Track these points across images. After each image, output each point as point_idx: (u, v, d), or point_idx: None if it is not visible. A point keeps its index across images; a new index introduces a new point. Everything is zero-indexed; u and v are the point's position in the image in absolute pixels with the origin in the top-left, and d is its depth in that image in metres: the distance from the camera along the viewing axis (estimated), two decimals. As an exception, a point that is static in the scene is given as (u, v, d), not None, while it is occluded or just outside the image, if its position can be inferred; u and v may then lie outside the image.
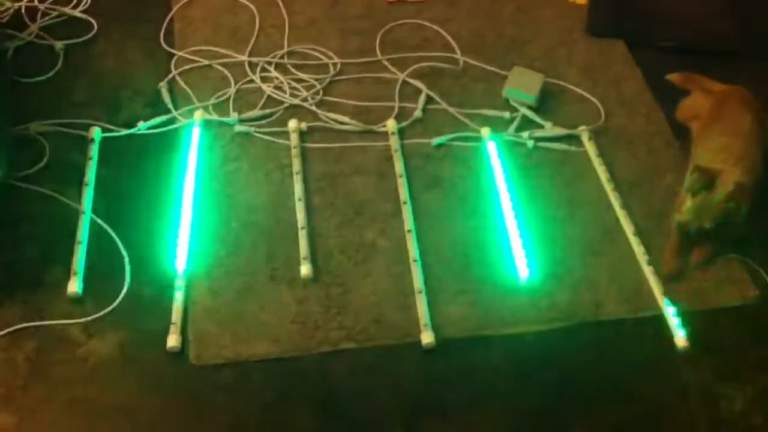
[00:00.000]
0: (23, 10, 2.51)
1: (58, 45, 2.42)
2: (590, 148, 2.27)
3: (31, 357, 1.76)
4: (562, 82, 2.46)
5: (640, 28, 2.66)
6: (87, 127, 2.17)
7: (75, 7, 2.54)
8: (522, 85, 2.37)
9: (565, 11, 2.73)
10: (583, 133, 2.31)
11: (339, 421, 1.74)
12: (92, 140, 2.13)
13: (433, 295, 1.92)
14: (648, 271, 2.00)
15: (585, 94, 2.44)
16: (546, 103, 2.39)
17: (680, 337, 1.89)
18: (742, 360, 1.90)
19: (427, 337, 1.83)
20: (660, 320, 1.93)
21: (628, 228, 2.08)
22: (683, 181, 2.05)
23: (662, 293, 1.96)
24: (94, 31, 2.48)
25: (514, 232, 2.04)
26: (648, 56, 2.59)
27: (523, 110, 2.35)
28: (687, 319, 1.92)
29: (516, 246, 2.01)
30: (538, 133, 2.30)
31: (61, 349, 1.78)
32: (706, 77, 2.38)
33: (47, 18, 2.50)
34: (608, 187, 2.17)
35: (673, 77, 2.41)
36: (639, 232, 2.07)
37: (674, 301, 1.94)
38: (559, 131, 2.31)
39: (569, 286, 1.98)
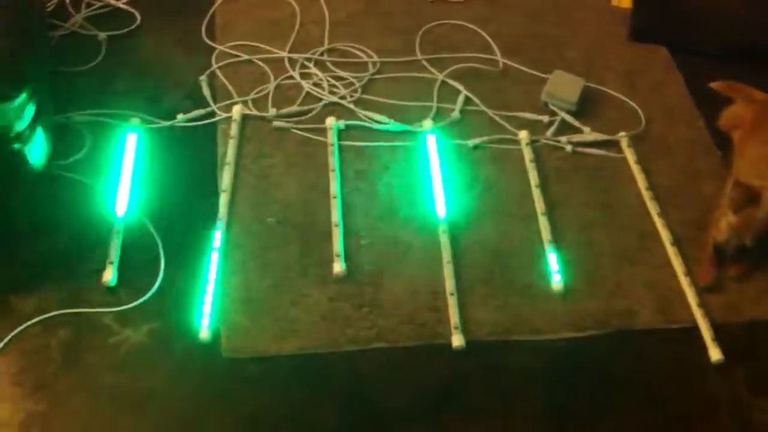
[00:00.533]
0: (68, 1, 2.54)
1: (101, 36, 2.44)
2: (629, 154, 2.24)
3: (64, 344, 1.79)
4: (602, 87, 2.44)
5: (683, 33, 2.62)
6: (127, 118, 2.19)
7: (119, -2, 2.57)
8: (562, 89, 2.35)
9: (607, 14, 2.71)
10: (623, 139, 2.28)
11: (366, 419, 1.74)
12: (132, 131, 2.15)
13: (464, 298, 1.91)
14: (684, 281, 1.98)
15: (625, 99, 2.41)
16: (585, 107, 2.36)
17: (714, 348, 1.86)
18: (777, 373, 1.88)
19: (457, 340, 1.83)
20: (694, 331, 1.90)
21: (665, 236, 2.06)
22: (723, 191, 2.03)
23: (698, 304, 1.93)
24: (137, 22, 2.51)
25: (549, 237, 2.02)
26: (690, 62, 2.55)
27: (563, 114, 2.33)
28: (722, 330, 1.89)
29: (550, 251, 2.00)
30: (577, 137, 2.28)
31: (94, 337, 1.80)
32: (749, 86, 2.34)
33: (91, 9, 2.53)
34: (646, 195, 2.15)
35: (716, 85, 2.38)
36: (676, 241, 2.05)
37: (709, 313, 1.92)
38: (598, 136, 2.28)
39: (604, 293, 1.96)
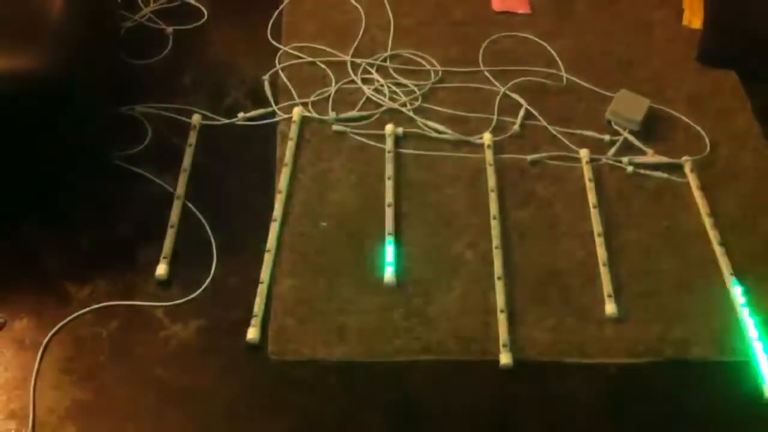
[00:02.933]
0: (138, -7, 2.58)
1: (168, 29, 2.47)
2: (692, 179, 2.20)
3: (114, 335, 1.81)
4: (668, 109, 2.39)
5: (753, 59, 2.56)
6: (189, 113, 2.22)
7: (187, -7, 2.60)
8: (627, 109, 2.31)
9: (677, 35, 2.65)
10: (686, 163, 2.23)
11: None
12: (193, 126, 2.17)
13: (515, 315, 1.89)
14: (741, 313, 1.92)
15: (691, 123, 2.36)
16: (650, 128, 2.32)
17: (769, 386, 1.81)
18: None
19: (505, 357, 1.80)
20: (751, 366, 1.85)
21: (725, 267, 2.01)
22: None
23: (755, 338, 1.88)
24: (204, 18, 2.53)
25: (605, 259, 1.99)
26: (760, 88, 2.49)
27: (626, 134, 2.29)
28: (780, 368, 1.84)
29: (604, 274, 1.96)
30: (639, 159, 2.24)
31: (144, 329, 1.82)
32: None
33: (160, 2, 2.56)
34: (708, 222, 2.10)
35: (786, 112, 2.33)
36: (736, 272, 1.99)
37: (767, 348, 1.87)
38: (661, 159, 2.24)
39: (659, 321, 1.91)
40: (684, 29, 2.68)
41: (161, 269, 1.88)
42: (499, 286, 1.92)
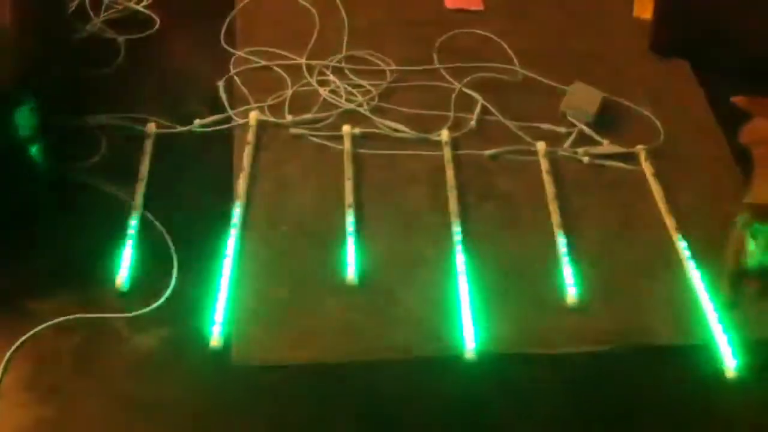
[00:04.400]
0: (87, 3, 2.54)
1: (120, 39, 2.44)
2: (647, 167, 2.22)
3: (76, 349, 1.78)
4: (622, 100, 2.42)
5: (706, 48, 2.59)
6: (144, 122, 2.19)
7: (139, 2, 2.57)
8: (581, 101, 2.34)
9: (630, 27, 2.69)
10: (641, 152, 2.26)
11: (380, 431, 1.72)
12: (148, 135, 2.15)
13: (479, 310, 1.89)
14: (701, 297, 1.95)
15: (645, 112, 2.39)
16: (605, 120, 2.35)
17: (731, 366, 1.83)
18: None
19: (471, 352, 1.81)
20: (711, 348, 1.87)
21: (682, 252, 2.03)
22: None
23: (715, 321, 1.90)
24: (157, 26, 2.51)
25: (565, 250, 2.00)
26: (712, 77, 2.53)
27: (581, 126, 2.32)
28: (740, 348, 1.86)
29: (565, 264, 1.98)
30: (595, 149, 2.26)
31: (106, 342, 1.79)
32: (773, 102, 2.32)
33: (111, 11, 2.53)
34: (664, 209, 2.13)
35: (738, 100, 2.35)
36: (694, 257, 2.02)
37: (727, 330, 1.89)
38: (616, 149, 2.26)
39: (620, 308, 1.93)
40: (636, 21, 2.71)
41: (120, 280, 1.86)
42: (462, 282, 1.93)
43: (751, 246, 1.89)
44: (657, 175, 2.20)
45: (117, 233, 1.95)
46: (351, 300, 1.90)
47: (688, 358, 1.87)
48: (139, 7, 2.55)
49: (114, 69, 2.37)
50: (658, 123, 2.36)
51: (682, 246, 2.05)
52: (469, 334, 1.83)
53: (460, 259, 1.97)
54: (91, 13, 2.51)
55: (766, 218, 1.88)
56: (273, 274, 1.93)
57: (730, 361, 1.84)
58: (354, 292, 1.91)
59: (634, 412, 1.79)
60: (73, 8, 2.52)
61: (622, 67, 2.55)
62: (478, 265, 1.98)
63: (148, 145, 2.14)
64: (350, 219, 2.03)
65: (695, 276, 1.99)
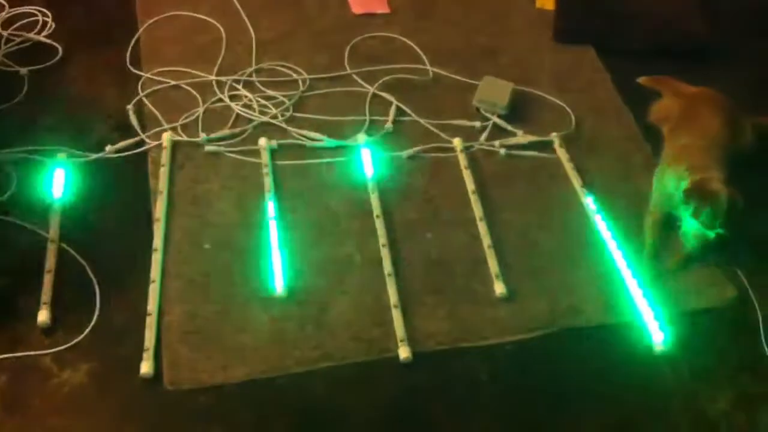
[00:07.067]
0: (-14, 37, 2.48)
1: (23, 71, 2.39)
2: (562, 154, 2.27)
3: (3, 389, 1.73)
4: (532, 90, 2.46)
5: (608, 32, 2.66)
6: (54, 153, 2.14)
7: (39, 32, 2.52)
8: (492, 94, 2.37)
9: (533, 18, 2.74)
10: (555, 139, 2.30)
11: (319, 441, 1.72)
12: (60, 166, 2.10)
13: (409, 309, 1.90)
14: (625, 275, 1.99)
15: (555, 100, 2.44)
16: (517, 111, 2.39)
17: (659, 340, 1.88)
18: (722, 361, 1.90)
19: (404, 352, 1.82)
20: (639, 324, 1.92)
21: (603, 232, 2.08)
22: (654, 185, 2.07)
23: (640, 297, 1.95)
24: (59, 55, 2.46)
25: (489, 242, 2.03)
26: (617, 60, 2.60)
27: (494, 119, 2.35)
28: (666, 322, 1.91)
29: (490, 256, 2.00)
30: (510, 141, 2.29)
31: (33, 380, 1.75)
32: (676, 80, 2.39)
33: (11, 44, 2.47)
34: (581, 193, 2.17)
35: (644, 80, 2.43)
36: (614, 237, 2.07)
37: (652, 305, 1.94)
38: (530, 138, 2.30)
39: (547, 294, 1.97)
40: (539, 12, 2.76)
41: (43, 316, 1.80)
42: (391, 283, 1.93)
43: (695, 225, 1.96)
44: (571, 159, 2.25)
45: (36, 268, 1.90)
46: (281, 312, 1.89)
47: (616, 336, 1.91)
48: (41, 37, 2.50)
49: (19, 102, 2.30)
50: (568, 109, 2.40)
51: (602, 227, 2.09)
52: (401, 334, 1.84)
53: (387, 260, 1.98)
54: (-9, 48, 2.46)
55: (705, 197, 1.93)
56: (200, 293, 1.91)
57: (657, 335, 1.88)
58: (284, 304, 1.90)
59: (568, 394, 1.82)
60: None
61: (529, 57, 2.60)
62: (406, 265, 1.99)
63: (60, 176, 2.09)
64: (274, 231, 2.01)
65: (617, 255, 2.03)
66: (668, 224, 2.08)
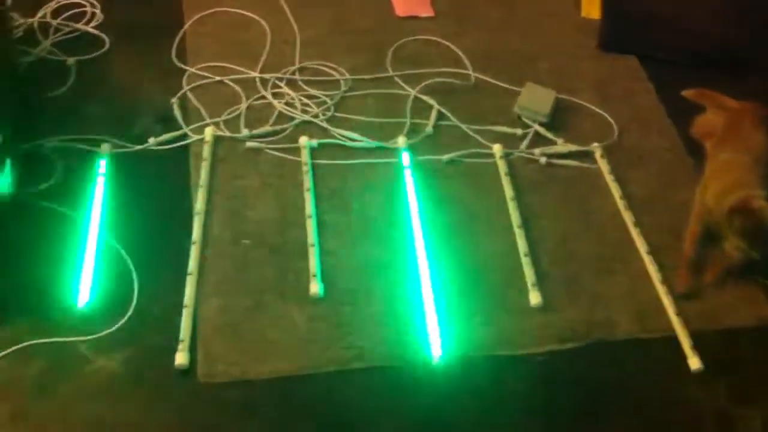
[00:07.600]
0: (36, 26, 2.52)
1: (70, 61, 2.42)
2: (603, 164, 2.25)
3: (39, 374, 1.75)
4: (574, 98, 2.45)
5: (652, 43, 2.64)
6: (99, 143, 2.17)
7: (88, 23, 2.55)
8: (534, 102, 2.36)
9: (577, 26, 2.73)
10: (596, 149, 2.29)
11: (348, 442, 1.72)
12: (104, 156, 2.13)
13: (444, 314, 1.90)
14: (661, 289, 1.98)
15: (597, 110, 2.42)
16: (558, 119, 2.37)
17: (694, 357, 1.86)
18: (759, 381, 1.87)
19: (437, 358, 1.81)
20: (674, 340, 1.90)
21: (641, 246, 2.06)
22: (696, 199, 2.05)
23: (676, 313, 1.93)
24: (107, 47, 2.49)
25: (525, 250, 2.02)
26: (660, 71, 2.58)
27: (536, 126, 2.34)
28: (701, 339, 1.89)
29: (527, 264, 1.99)
30: (551, 149, 2.28)
31: (69, 366, 1.77)
32: (720, 94, 2.36)
33: (60, 34, 2.51)
34: (621, 205, 2.15)
35: (688, 93, 2.40)
36: (652, 250, 2.05)
37: (688, 321, 1.92)
38: (571, 148, 2.29)
39: (582, 305, 1.95)
40: (584, 20, 2.75)
41: (81, 303, 1.84)
42: (427, 288, 1.93)
43: (734, 243, 1.94)
44: (612, 171, 2.23)
45: (76, 256, 1.93)
46: (315, 311, 1.89)
47: (650, 350, 1.89)
48: (89, 28, 2.54)
49: (66, 92, 2.34)
50: (610, 119, 2.39)
51: (640, 240, 2.07)
52: (435, 339, 1.84)
53: (423, 264, 1.98)
54: (40, 37, 2.49)
55: (748, 214, 1.91)
56: (236, 288, 1.92)
57: (691, 352, 1.86)
58: (318, 303, 1.91)
59: (599, 407, 1.80)
60: (22, 33, 2.49)
61: (572, 66, 2.58)
62: (440, 270, 1.99)
63: (104, 166, 2.11)
64: (311, 229, 2.02)
65: (654, 268, 2.01)
66: (708, 239, 2.05)
